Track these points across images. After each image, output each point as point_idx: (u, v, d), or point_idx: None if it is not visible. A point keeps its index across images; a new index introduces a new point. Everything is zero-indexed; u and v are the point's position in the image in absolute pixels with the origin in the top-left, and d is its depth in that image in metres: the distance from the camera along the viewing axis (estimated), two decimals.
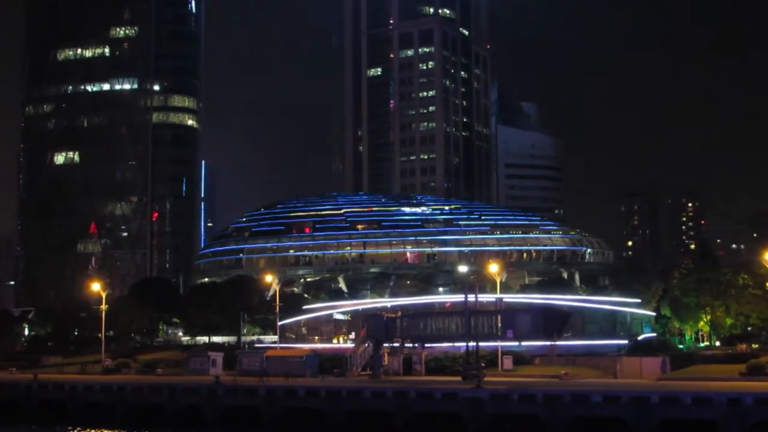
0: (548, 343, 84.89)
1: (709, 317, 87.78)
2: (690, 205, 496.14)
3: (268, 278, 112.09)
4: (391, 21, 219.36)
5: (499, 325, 79.20)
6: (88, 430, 74.17)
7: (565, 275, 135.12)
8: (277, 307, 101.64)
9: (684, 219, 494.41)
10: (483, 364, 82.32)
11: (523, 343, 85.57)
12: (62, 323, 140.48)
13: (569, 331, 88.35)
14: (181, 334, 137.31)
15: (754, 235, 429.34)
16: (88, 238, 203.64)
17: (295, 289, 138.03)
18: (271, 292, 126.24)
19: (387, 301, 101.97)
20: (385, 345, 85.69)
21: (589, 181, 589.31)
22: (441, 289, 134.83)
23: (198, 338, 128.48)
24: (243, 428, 70.43)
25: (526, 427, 61.06)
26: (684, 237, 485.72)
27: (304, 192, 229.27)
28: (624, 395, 59.14)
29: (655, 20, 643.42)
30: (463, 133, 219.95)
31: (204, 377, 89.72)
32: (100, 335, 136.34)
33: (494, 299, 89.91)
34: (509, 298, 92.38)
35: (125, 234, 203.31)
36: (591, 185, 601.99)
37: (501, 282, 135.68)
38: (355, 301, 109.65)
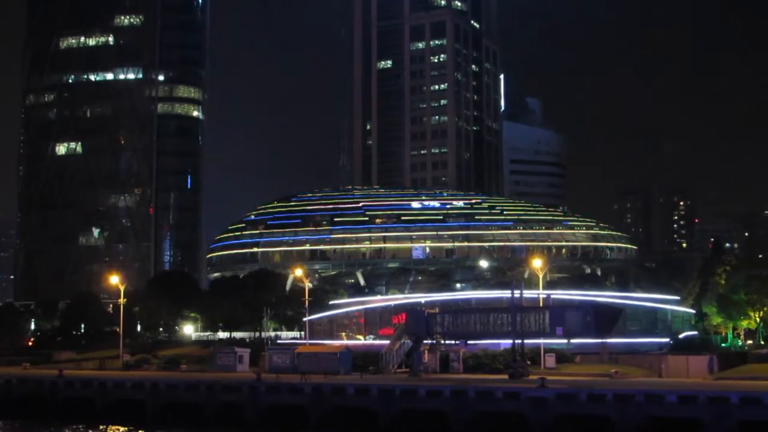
0: (591, 341, 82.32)
1: (759, 314, 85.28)
2: (682, 204, 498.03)
3: (298, 272, 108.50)
4: (403, 12, 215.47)
5: (547, 322, 76.39)
6: (118, 428, 71.14)
7: (588, 271, 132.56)
8: (306, 302, 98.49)
9: (676, 218, 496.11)
10: (529, 362, 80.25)
11: (559, 341, 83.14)
12: (70, 318, 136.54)
13: None
14: (192, 329, 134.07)
15: (746, 234, 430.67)
16: (90, 230, 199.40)
17: (310, 284, 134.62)
18: (288, 286, 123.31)
19: (421, 297, 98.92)
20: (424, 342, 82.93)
21: (586, 179, 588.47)
22: (459, 285, 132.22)
23: (208, 333, 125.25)
24: (287, 428, 67.28)
25: (595, 427, 58.33)
26: (675, 236, 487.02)
27: (308, 186, 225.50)
28: (701, 395, 56.45)
29: (658, 20, 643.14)
30: (474, 128, 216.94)
31: (232, 374, 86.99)
32: (109, 329, 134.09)
33: (535, 295, 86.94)
34: (543, 294, 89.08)
35: (128, 227, 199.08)
36: (588, 183, 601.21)
37: (525, 278, 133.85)
38: (386, 297, 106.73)
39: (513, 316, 76.41)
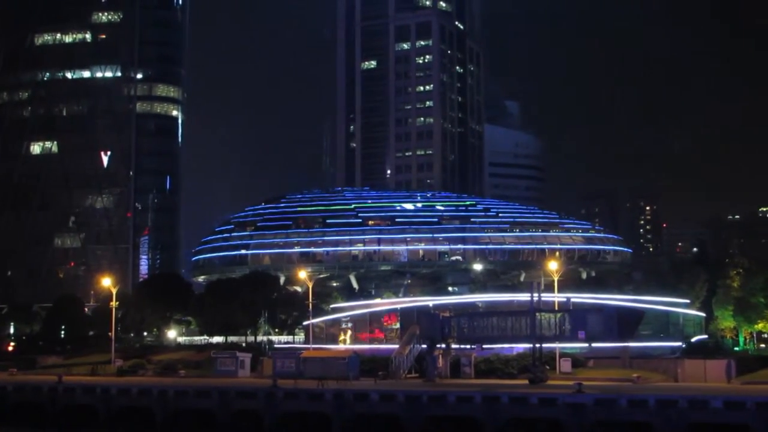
0: (604, 345, 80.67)
1: None
2: (648, 208, 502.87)
3: (302, 274, 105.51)
4: (388, 12, 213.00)
5: (569, 325, 74.65)
6: None
7: (585, 275, 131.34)
8: (310, 305, 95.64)
9: (642, 222, 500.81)
10: (548, 367, 78.46)
11: (573, 345, 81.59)
12: (53, 322, 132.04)
13: None
14: (178, 333, 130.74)
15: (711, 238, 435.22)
16: (66, 231, 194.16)
17: (299, 288, 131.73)
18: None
19: (429, 300, 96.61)
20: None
21: (558, 182, 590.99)
22: (456, 288, 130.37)
23: (203, 338, 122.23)
24: None
25: None
26: (642, 240, 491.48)
27: (291, 188, 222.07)
28: (748, 401, 54.76)
29: (626, 24, 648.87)
30: (459, 130, 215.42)
31: (234, 379, 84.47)
32: (92, 333, 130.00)
33: (551, 299, 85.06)
34: (562, 297, 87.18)
35: (106, 228, 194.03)
36: (558, 186, 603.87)
37: (521, 281, 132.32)
38: (392, 300, 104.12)
39: (533, 319, 74.55)
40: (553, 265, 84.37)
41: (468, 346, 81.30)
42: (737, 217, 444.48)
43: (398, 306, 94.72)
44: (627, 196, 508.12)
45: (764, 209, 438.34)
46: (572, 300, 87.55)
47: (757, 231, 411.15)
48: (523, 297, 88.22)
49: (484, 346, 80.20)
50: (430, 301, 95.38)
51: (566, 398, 58.84)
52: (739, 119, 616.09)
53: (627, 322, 74.88)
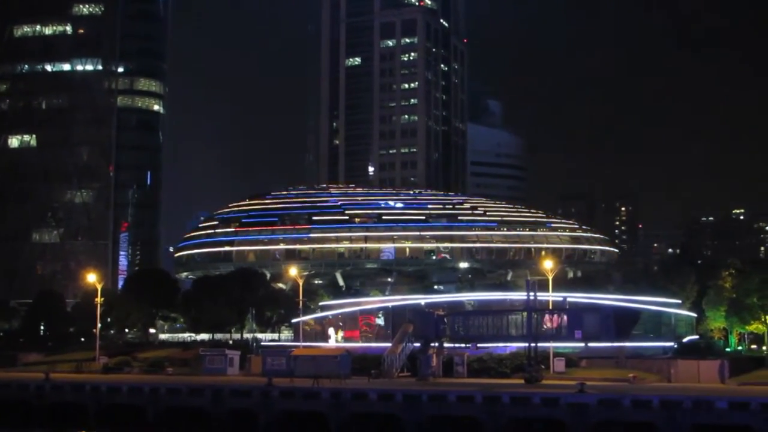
0: (598, 344, 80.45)
1: None
2: (623, 209, 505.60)
3: (293, 271, 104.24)
4: (373, 9, 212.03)
5: (565, 325, 74.35)
6: None
7: (571, 274, 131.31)
8: (300, 302, 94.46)
9: (617, 223, 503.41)
10: (543, 366, 77.99)
11: (566, 344, 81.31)
12: (34, 318, 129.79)
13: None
14: (164, 330, 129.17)
15: (687, 239, 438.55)
16: (44, 227, 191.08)
17: (283, 286, 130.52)
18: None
19: (421, 298, 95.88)
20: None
21: (538, 182, 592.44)
22: (442, 286, 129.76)
23: (187, 335, 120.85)
24: None
25: None
26: (617, 240, 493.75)
27: (272, 185, 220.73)
28: (753, 402, 54.62)
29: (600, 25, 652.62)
30: (443, 128, 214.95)
31: (224, 377, 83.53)
32: (72, 330, 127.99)
33: (546, 298, 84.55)
34: (559, 296, 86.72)
35: (85, 223, 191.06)
36: (539, 186, 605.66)
37: (507, 280, 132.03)
38: (382, 298, 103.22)
39: (529, 318, 74.14)
40: (548, 264, 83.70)
41: (462, 345, 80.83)
42: (711, 218, 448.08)
43: (389, 304, 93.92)
44: (603, 196, 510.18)
45: (737, 211, 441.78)
46: (572, 300, 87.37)
47: (730, 232, 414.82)
48: (517, 296, 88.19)
49: (479, 345, 79.75)
50: (421, 299, 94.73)
51: (569, 398, 58.42)
52: (714, 121, 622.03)
53: (623, 323, 74.78)
